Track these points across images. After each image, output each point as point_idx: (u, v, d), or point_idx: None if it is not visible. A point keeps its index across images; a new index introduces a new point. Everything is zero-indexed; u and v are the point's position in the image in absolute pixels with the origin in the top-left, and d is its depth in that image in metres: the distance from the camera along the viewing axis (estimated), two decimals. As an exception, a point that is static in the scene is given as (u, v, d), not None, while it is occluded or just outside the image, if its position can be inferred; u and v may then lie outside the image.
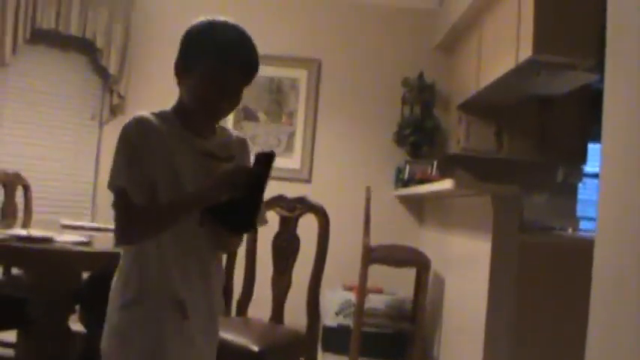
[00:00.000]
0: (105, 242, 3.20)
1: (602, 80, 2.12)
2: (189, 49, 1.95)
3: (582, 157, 5.72)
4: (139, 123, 1.89)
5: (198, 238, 1.99)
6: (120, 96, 6.09)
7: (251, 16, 6.23)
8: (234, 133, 2.15)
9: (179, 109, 1.99)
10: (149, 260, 1.92)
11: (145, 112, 1.93)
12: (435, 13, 6.29)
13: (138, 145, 1.87)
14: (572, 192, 6.12)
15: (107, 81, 6.12)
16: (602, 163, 2.09)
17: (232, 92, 1.94)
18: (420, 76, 6.14)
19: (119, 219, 1.90)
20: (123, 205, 1.89)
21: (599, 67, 3.36)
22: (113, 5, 6.05)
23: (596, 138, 2.34)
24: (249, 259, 3.45)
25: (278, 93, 6.32)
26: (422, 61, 6.28)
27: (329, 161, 6.33)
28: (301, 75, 6.34)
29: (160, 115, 1.95)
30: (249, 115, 6.31)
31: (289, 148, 6.29)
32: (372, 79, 6.36)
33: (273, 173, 1.88)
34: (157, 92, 6.31)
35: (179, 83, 1.97)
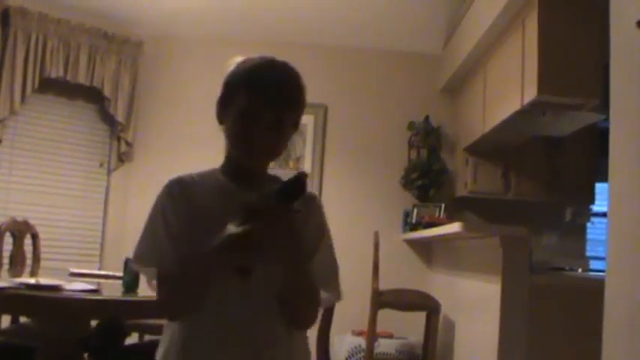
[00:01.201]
0: (113, 290, 3.19)
1: (607, 120, 2.13)
2: (224, 92, 1.76)
3: (590, 197, 5.72)
4: (169, 187, 1.71)
5: (242, 306, 1.63)
6: (128, 143, 6.11)
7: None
8: None
9: (225, 161, 1.80)
10: (174, 337, 1.67)
11: (183, 173, 1.76)
12: (439, 57, 6.33)
13: (167, 209, 1.68)
14: (581, 232, 6.12)
15: (115, 129, 6.14)
16: (611, 202, 2.09)
17: (265, 124, 1.68)
18: (426, 119, 6.17)
19: (157, 293, 1.66)
20: (159, 281, 1.65)
21: (605, 106, 3.38)
22: (120, 54, 6.11)
23: (604, 177, 2.34)
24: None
25: (285, 138, 6.32)
26: (427, 104, 6.32)
27: (336, 206, 6.31)
28: (308, 120, 6.35)
29: (202, 173, 1.77)
30: (257, 161, 6.31)
31: (297, 192, 6.27)
32: (378, 124, 6.38)
33: None
34: (164, 139, 6.38)
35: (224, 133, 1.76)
